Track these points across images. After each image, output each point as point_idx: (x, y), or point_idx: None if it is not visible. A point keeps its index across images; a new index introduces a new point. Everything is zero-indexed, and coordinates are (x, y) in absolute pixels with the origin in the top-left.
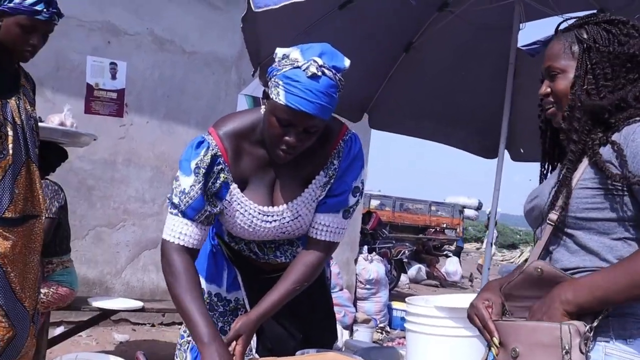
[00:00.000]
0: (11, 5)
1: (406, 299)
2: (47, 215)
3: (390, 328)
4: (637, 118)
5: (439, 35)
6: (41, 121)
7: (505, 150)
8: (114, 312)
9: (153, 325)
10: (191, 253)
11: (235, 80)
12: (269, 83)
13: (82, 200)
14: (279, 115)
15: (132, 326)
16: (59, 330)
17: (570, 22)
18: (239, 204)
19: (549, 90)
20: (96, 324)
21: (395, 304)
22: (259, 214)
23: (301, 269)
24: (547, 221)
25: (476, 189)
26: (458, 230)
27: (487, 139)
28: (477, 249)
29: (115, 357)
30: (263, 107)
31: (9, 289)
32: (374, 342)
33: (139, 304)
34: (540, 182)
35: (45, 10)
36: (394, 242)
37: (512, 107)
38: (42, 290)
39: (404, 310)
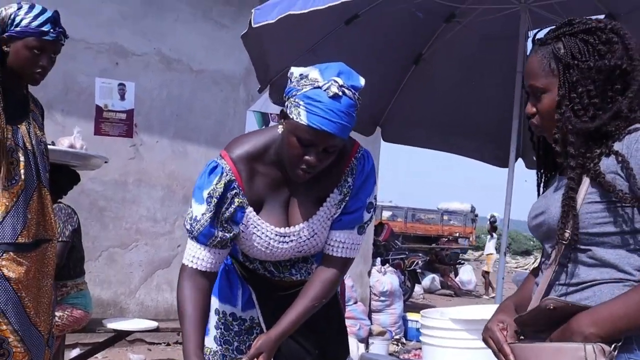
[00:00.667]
0: (18, 29)
1: (421, 312)
2: (60, 239)
3: (406, 339)
4: (638, 125)
5: (448, 46)
6: (52, 145)
7: (520, 159)
8: (129, 332)
9: (168, 345)
10: (206, 276)
11: (244, 97)
12: (287, 103)
13: (94, 222)
14: (301, 135)
15: (148, 346)
16: (75, 352)
17: (545, 31)
18: (255, 226)
19: (534, 110)
20: (111, 345)
21: (410, 315)
22: (276, 235)
23: (319, 285)
24: (561, 241)
25: (487, 196)
26: (471, 238)
27: (501, 147)
28: (481, 255)
29: None
30: (280, 127)
31: (24, 314)
32: (390, 354)
33: (153, 324)
34: (538, 190)
35: (52, 30)
36: (407, 252)
37: (524, 115)
38: (57, 314)
39: (419, 321)
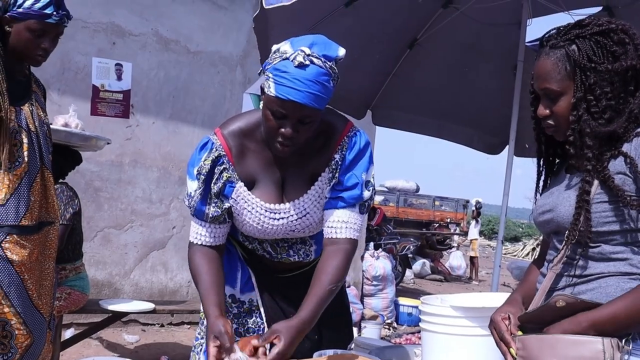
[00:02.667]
0: (20, 10)
1: (421, 299)
2: (61, 222)
3: (398, 324)
4: None
5: (444, 32)
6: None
7: (508, 146)
8: (125, 313)
9: (162, 326)
10: (213, 248)
11: (241, 79)
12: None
13: (90, 202)
14: (272, 108)
15: (142, 327)
16: (69, 332)
17: (553, 32)
18: (245, 201)
19: (548, 112)
20: (107, 326)
21: (402, 300)
22: (266, 211)
23: (331, 270)
24: (571, 241)
25: (475, 182)
26: (462, 224)
27: (491, 135)
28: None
29: None
30: (261, 103)
31: (27, 296)
32: (381, 338)
33: (150, 305)
34: (537, 185)
35: (55, 13)
36: (398, 237)
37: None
38: (56, 295)
39: (410, 306)
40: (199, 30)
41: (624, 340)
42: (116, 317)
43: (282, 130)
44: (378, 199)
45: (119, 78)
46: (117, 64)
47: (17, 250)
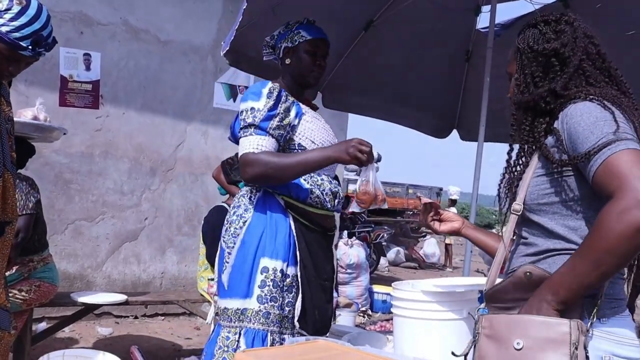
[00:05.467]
0: None
1: (392, 284)
2: (24, 212)
3: (372, 311)
4: (569, 103)
5: (400, 14)
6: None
7: (455, 130)
8: (98, 306)
9: (136, 317)
10: None
11: (212, 68)
12: (287, 41)
13: (60, 194)
14: (310, 48)
15: (115, 319)
16: (41, 326)
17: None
18: (310, 113)
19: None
20: (79, 319)
21: (376, 288)
22: (322, 122)
23: None
24: (512, 212)
25: (444, 171)
26: None
27: (438, 119)
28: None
29: (104, 353)
30: (287, 59)
31: None
32: (356, 325)
33: (122, 297)
34: None
35: (30, 47)
36: (372, 225)
37: (464, 90)
38: (24, 288)
39: (385, 294)
40: (169, 20)
41: (588, 323)
42: (89, 310)
43: (319, 62)
44: (352, 187)
45: (88, 68)
46: (85, 54)
47: None
